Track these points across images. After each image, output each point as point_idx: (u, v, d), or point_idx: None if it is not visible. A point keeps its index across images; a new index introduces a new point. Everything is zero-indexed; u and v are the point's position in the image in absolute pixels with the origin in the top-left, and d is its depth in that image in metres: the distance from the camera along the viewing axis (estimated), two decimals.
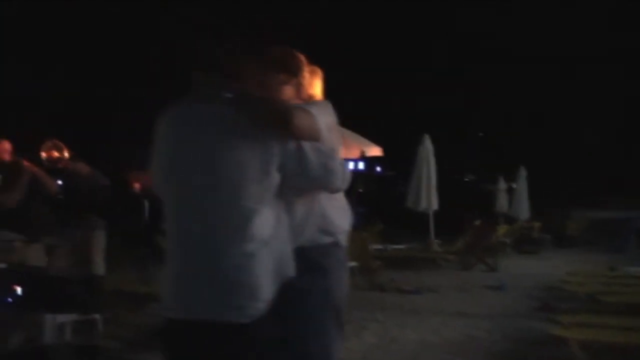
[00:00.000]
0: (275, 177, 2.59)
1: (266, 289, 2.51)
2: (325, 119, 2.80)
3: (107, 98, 25.22)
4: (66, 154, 6.14)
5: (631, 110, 28.51)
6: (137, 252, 11.66)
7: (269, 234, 2.57)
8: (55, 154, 6.13)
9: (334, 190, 2.88)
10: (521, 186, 21.40)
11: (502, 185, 21.88)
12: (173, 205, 2.69)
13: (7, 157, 6.13)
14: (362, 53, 27.74)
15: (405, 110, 29.57)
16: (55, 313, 5.46)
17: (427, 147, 15.90)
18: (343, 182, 2.83)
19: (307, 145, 2.66)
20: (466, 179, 36.21)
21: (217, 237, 2.52)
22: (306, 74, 3.07)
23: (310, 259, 2.82)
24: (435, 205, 15.69)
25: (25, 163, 6.06)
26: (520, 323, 8.15)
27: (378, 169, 34.37)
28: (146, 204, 11.21)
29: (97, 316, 5.95)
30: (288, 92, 2.97)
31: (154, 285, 9.54)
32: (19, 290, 4.91)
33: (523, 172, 21.40)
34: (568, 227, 21.23)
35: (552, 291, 10.35)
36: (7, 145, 6.18)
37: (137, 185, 7.23)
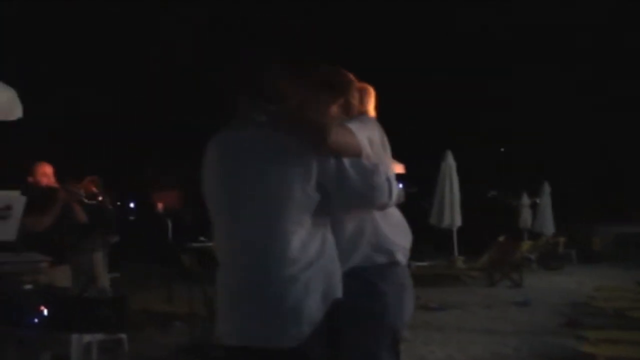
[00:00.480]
0: (314, 198, 2.59)
1: (311, 311, 2.50)
2: (369, 134, 2.76)
3: (132, 120, 25.45)
4: (100, 196, 6.27)
5: None
6: (162, 272, 11.75)
7: (313, 255, 2.56)
8: (93, 189, 6.25)
9: (381, 207, 2.80)
10: (545, 201, 21.25)
11: (525, 200, 21.74)
12: (224, 232, 2.73)
13: (45, 180, 6.21)
14: (384, 71, 27.80)
15: (427, 127, 29.53)
16: (81, 333, 5.50)
17: (450, 163, 15.88)
18: (390, 197, 2.74)
19: (347, 162, 2.63)
20: (489, 195, 36.01)
21: (262, 263, 2.54)
22: (355, 92, 3.06)
23: (364, 280, 2.78)
24: (458, 221, 15.64)
25: (62, 192, 6.13)
26: (546, 339, 8.08)
27: (400, 185, 34.34)
28: (169, 223, 11.30)
29: (123, 335, 5.99)
30: (334, 111, 2.96)
31: (179, 305, 9.61)
32: (45, 311, 4.95)
33: (547, 188, 21.27)
34: (593, 242, 21.04)
35: (579, 307, 10.25)
36: (47, 169, 6.26)
37: (160, 205, 7.29)
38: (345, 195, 2.65)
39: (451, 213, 15.55)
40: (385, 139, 2.94)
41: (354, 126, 2.71)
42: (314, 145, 2.56)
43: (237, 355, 2.60)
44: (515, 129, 30.24)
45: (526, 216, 21.45)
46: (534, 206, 22.05)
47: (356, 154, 2.65)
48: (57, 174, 6.29)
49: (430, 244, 18.71)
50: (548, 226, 20.92)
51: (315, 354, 2.51)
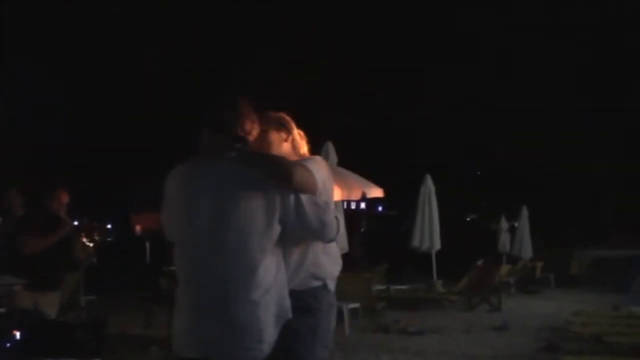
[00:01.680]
0: (277, 229, 2.87)
1: (270, 331, 2.81)
2: (321, 174, 3.07)
3: (110, 143, 25.33)
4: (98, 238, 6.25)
5: (634, 147, 28.53)
6: (140, 295, 11.63)
7: (271, 281, 2.85)
8: (96, 237, 6.25)
9: (327, 241, 3.12)
10: (523, 225, 21.35)
11: (504, 224, 21.82)
12: (185, 255, 2.96)
13: (55, 206, 6.19)
14: (364, 95, 27.91)
15: (406, 150, 29.68)
16: (56, 358, 5.41)
17: (429, 186, 15.93)
18: (337, 234, 3.08)
19: (304, 199, 2.93)
20: (468, 218, 36.16)
21: (226, 285, 2.79)
22: (296, 133, 3.34)
23: (301, 301, 3.03)
24: (437, 245, 15.67)
25: (67, 225, 6.12)
26: None
27: (380, 208, 34.40)
28: (147, 245, 11.22)
29: None
30: (286, 149, 3.26)
31: (157, 328, 9.50)
32: (18, 335, 4.88)
33: (525, 212, 21.38)
34: (571, 266, 21.14)
35: (557, 331, 10.27)
36: (64, 197, 6.25)
37: (138, 228, 7.24)
38: (301, 229, 2.95)
39: (430, 236, 15.58)
40: (331, 178, 3.23)
41: (310, 166, 3.01)
42: (280, 181, 2.86)
43: None
44: (496, 152, 30.46)
45: (505, 240, 21.50)
46: (512, 230, 22.14)
47: (313, 191, 2.96)
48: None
49: (409, 267, 18.74)
50: (526, 250, 20.99)
51: None
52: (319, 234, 3.02)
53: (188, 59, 26.59)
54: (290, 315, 2.91)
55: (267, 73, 24.92)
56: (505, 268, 17.43)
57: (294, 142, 3.32)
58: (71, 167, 23.40)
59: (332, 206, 3.13)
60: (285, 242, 2.97)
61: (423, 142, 29.53)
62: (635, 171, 28.68)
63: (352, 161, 12.58)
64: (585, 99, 27.97)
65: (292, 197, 2.89)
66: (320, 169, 3.09)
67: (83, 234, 6.19)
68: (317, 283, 3.15)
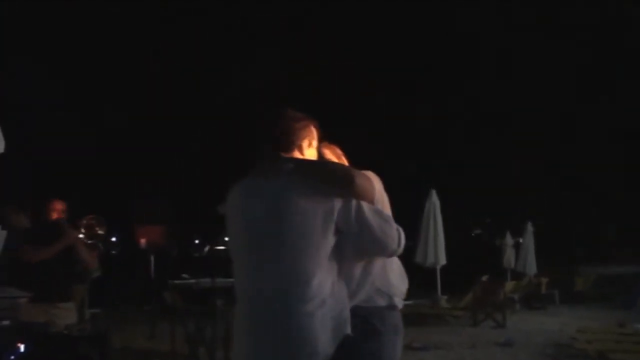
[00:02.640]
0: (332, 241, 2.83)
1: (325, 345, 2.74)
2: (376, 184, 3.03)
3: (118, 153, 25.35)
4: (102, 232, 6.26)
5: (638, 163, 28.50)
6: (145, 309, 11.62)
7: (327, 294, 2.80)
8: (98, 231, 6.26)
9: (389, 254, 3.00)
10: (528, 241, 21.30)
11: (509, 240, 21.78)
12: (242, 272, 2.98)
13: (55, 215, 6.19)
14: (370, 109, 27.94)
15: (412, 165, 29.67)
16: None
17: (434, 201, 15.92)
18: (399, 246, 2.95)
19: (366, 207, 2.87)
20: (473, 234, 36.09)
21: (282, 298, 2.78)
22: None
23: (365, 320, 2.94)
24: (442, 260, 15.64)
25: (70, 230, 6.08)
26: None
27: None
28: (152, 259, 11.21)
29: None
30: (334, 159, 3.27)
31: (161, 341, 9.50)
32: (22, 347, 4.88)
33: (530, 227, 21.34)
34: (576, 283, 21.06)
35: (561, 348, 10.23)
36: (58, 206, 6.26)
37: (143, 241, 7.23)
38: (363, 240, 2.87)
39: (435, 251, 15.55)
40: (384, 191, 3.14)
41: (367, 174, 2.98)
42: (342, 187, 2.83)
43: None
44: (500, 170, 30.42)
45: (509, 255, 21.47)
46: (517, 246, 22.09)
47: (371, 199, 2.92)
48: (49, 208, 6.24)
49: (414, 283, 18.67)
50: (531, 266, 20.94)
51: None
52: (382, 246, 2.91)
53: (188, 59, 26.63)
54: (349, 330, 2.82)
55: (267, 73, 24.95)
56: (510, 284, 17.37)
57: (338, 154, 3.35)
58: (73, 178, 23.46)
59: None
60: (347, 254, 2.90)
61: (430, 156, 29.53)
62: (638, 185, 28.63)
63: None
64: (587, 105, 27.98)
65: (354, 205, 2.85)
66: (375, 180, 3.05)
67: (84, 230, 6.17)
68: (383, 301, 3.04)
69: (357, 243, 2.88)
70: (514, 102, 28.57)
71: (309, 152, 3.10)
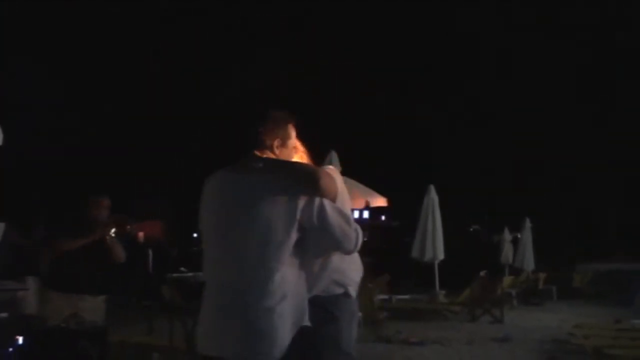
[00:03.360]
0: (294, 237, 2.96)
1: (283, 337, 2.91)
2: (338, 182, 3.15)
3: (112, 148, 25.32)
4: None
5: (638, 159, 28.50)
6: (142, 303, 11.63)
7: (288, 289, 2.95)
8: (127, 227, 6.34)
9: (346, 253, 3.16)
10: (526, 237, 21.33)
11: (507, 235, 21.81)
12: (210, 261, 3.15)
13: (94, 212, 6.25)
14: (369, 104, 27.94)
15: (411, 161, 29.67)
16: None
17: (432, 197, 15.93)
18: (356, 247, 3.12)
19: (328, 206, 3.01)
20: (471, 229, 36.11)
21: (243, 291, 2.94)
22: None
23: (323, 308, 3.11)
24: (440, 255, 15.65)
25: (104, 227, 6.15)
26: None
27: (382, 217, 34.33)
28: (150, 253, 11.21)
29: None
30: (303, 159, 3.39)
31: (159, 336, 9.51)
32: (20, 340, 4.89)
33: (528, 223, 21.36)
34: (574, 279, 21.09)
35: (559, 344, 10.26)
36: (105, 202, 6.35)
37: (141, 235, 7.24)
38: (323, 238, 3.04)
39: (433, 247, 15.56)
40: (345, 189, 3.28)
41: (330, 172, 3.14)
42: (307, 186, 2.98)
43: None
44: (499, 165, 30.42)
45: (507, 251, 21.50)
46: (515, 241, 22.12)
47: (333, 197, 3.06)
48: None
49: (411, 278, 18.70)
50: (529, 262, 20.98)
51: None
52: (339, 243, 3.08)
53: (188, 59, 26.60)
54: (307, 322, 2.99)
55: (267, 73, 24.95)
56: (507, 280, 17.41)
57: (304, 153, 3.44)
58: (71, 172, 23.42)
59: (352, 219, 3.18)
60: (308, 250, 3.05)
61: (427, 152, 29.54)
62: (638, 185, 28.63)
63: (356, 170, 12.55)
64: (588, 106, 28.00)
65: (317, 204, 2.98)
66: (337, 177, 3.19)
67: (114, 229, 6.22)
68: (340, 290, 3.21)
69: (318, 240, 3.04)
70: (514, 100, 28.56)
71: (282, 151, 3.22)
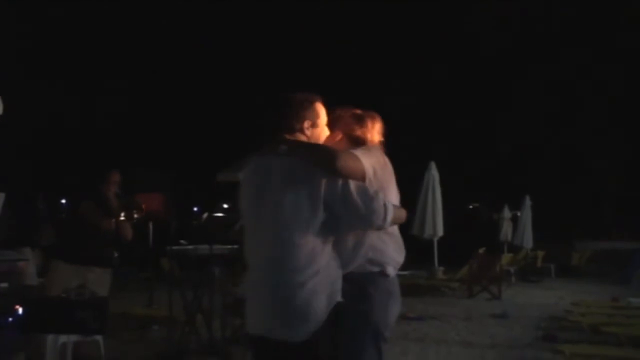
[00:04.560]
0: (322, 216, 3.06)
1: (317, 312, 3.00)
2: (373, 161, 3.23)
3: (114, 121, 25.27)
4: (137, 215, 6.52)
5: (637, 140, 28.46)
6: (142, 275, 11.69)
7: (321, 265, 3.05)
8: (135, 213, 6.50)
9: (375, 228, 3.20)
10: (526, 215, 21.35)
11: (506, 213, 21.82)
12: (250, 239, 3.27)
13: (112, 186, 6.45)
14: (370, 81, 27.85)
15: (411, 137, 29.62)
16: (57, 334, 5.46)
17: (433, 174, 15.93)
18: (385, 221, 3.15)
19: (352, 185, 3.09)
20: (471, 207, 36.11)
21: (276, 269, 3.06)
22: (354, 124, 3.53)
23: (357, 285, 3.19)
24: (440, 232, 15.68)
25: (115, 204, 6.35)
26: (524, 353, 8.12)
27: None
28: (151, 226, 11.22)
29: (99, 337, 5.95)
30: (342, 143, 3.47)
31: (158, 308, 9.56)
32: (20, 310, 4.91)
33: (528, 201, 21.36)
34: (572, 257, 21.15)
35: (556, 321, 10.31)
36: (115, 177, 6.53)
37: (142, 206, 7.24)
38: (348, 215, 3.10)
39: (433, 223, 15.59)
40: (389, 166, 3.38)
41: (359, 153, 3.18)
42: (325, 167, 3.05)
43: (258, 342, 3.15)
44: (500, 142, 30.37)
45: (507, 229, 21.53)
46: (514, 219, 22.14)
47: (361, 177, 3.13)
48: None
49: (411, 254, 18.74)
50: (528, 240, 21.02)
51: (320, 348, 3.01)
52: (367, 221, 3.13)
53: (193, 27, 26.47)
54: (339, 298, 3.07)
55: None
56: (506, 257, 17.46)
57: (349, 136, 3.49)
58: (73, 144, 23.42)
59: (389, 195, 3.27)
60: (339, 227, 3.13)
61: (428, 128, 29.46)
62: (638, 164, 28.61)
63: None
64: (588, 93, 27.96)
65: (340, 184, 3.07)
66: (371, 157, 3.24)
67: (123, 213, 6.34)
68: (376, 268, 3.27)
69: (344, 218, 3.10)
70: (516, 79, 28.48)
71: (314, 132, 3.31)
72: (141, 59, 25.62)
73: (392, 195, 3.34)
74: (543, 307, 12.22)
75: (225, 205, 8.80)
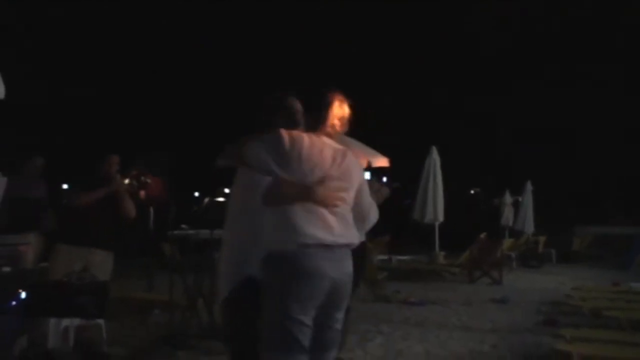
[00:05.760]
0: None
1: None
2: (265, 147, 3.44)
3: (121, 105, 25.24)
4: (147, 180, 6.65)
5: (637, 126, 28.42)
6: (143, 260, 11.69)
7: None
8: (147, 180, 6.68)
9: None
10: (527, 200, 21.34)
11: (508, 198, 21.81)
12: None
13: (112, 168, 6.50)
14: (373, 65, 27.79)
15: (413, 122, 29.59)
16: (59, 317, 5.47)
17: (435, 158, 15.90)
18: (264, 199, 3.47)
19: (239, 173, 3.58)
20: (472, 192, 36.10)
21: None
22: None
23: None
24: (441, 217, 15.68)
25: (117, 181, 6.42)
26: (524, 337, 8.13)
27: (384, 179, 34.33)
28: (151, 211, 11.20)
29: (101, 322, 5.96)
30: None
31: (159, 292, 9.57)
32: (23, 294, 4.92)
33: (529, 187, 21.35)
34: (573, 242, 21.17)
35: (557, 306, 10.33)
36: (115, 159, 6.59)
37: (142, 193, 7.23)
38: None
39: (434, 208, 15.58)
40: (287, 150, 3.36)
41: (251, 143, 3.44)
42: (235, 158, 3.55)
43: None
44: (501, 128, 30.35)
45: (508, 214, 21.53)
46: (516, 204, 22.13)
47: (252, 165, 3.38)
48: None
49: (412, 239, 18.77)
50: (529, 225, 21.03)
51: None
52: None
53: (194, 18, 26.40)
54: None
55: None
56: (507, 242, 17.47)
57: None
58: (75, 129, 23.39)
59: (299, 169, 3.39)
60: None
61: (430, 113, 29.44)
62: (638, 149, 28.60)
63: (358, 130, 12.49)
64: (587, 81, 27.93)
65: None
66: (257, 144, 3.40)
67: (134, 180, 6.44)
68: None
69: None
70: (516, 66, 28.45)
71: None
72: (142, 49, 25.55)
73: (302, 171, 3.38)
74: (544, 292, 12.24)
75: (227, 190, 8.79)
